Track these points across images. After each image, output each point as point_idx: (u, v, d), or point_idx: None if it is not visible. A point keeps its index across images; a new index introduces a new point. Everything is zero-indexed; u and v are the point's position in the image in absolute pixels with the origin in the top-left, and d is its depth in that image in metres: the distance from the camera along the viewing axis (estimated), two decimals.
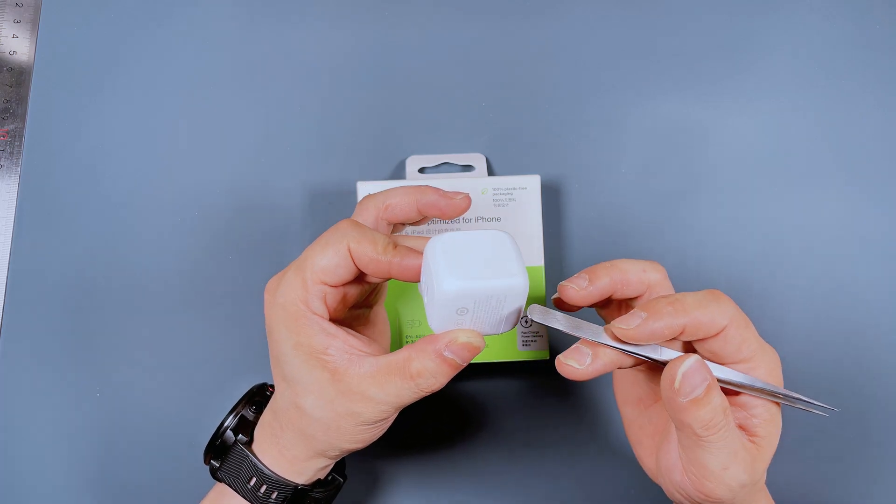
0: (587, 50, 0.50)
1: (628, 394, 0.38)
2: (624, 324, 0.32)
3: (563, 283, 0.35)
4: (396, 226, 0.39)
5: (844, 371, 0.46)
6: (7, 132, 0.49)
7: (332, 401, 0.34)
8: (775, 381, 0.33)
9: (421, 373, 0.33)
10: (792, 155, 0.48)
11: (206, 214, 0.48)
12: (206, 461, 0.39)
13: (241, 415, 0.38)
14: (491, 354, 0.44)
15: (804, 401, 0.34)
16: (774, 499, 0.37)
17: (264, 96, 0.49)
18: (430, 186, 0.37)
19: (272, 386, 0.40)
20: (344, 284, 0.34)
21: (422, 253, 0.34)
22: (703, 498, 0.33)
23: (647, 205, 0.48)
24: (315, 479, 0.37)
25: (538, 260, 0.44)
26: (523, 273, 0.31)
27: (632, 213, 0.48)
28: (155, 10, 0.50)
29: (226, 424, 0.38)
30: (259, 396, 0.39)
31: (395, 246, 0.34)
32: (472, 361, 0.44)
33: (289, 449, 0.36)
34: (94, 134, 0.49)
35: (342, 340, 0.34)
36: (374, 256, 0.33)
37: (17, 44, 0.50)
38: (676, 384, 0.31)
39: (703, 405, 0.31)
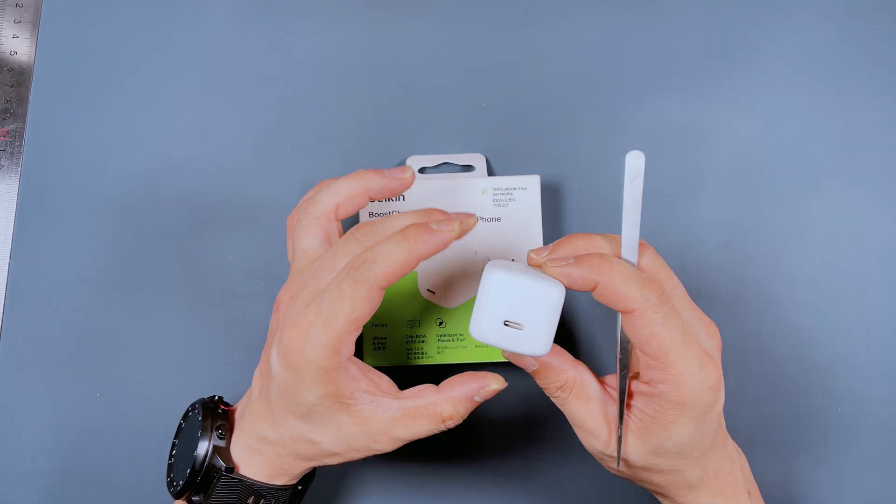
0: (587, 50, 0.50)
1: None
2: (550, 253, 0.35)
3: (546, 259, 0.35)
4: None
5: (844, 371, 0.46)
6: (7, 132, 0.49)
7: (350, 438, 0.35)
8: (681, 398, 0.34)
9: (453, 416, 0.35)
10: (792, 155, 0.48)
11: (207, 215, 0.48)
12: (184, 498, 0.37)
13: (213, 445, 0.37)
14: (490, 354, 0.44)
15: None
16: (768, 500, 0.37)
17: (264, 96, 0.49)
18: (368, 171, 0.38)
19: (222, 400, 0.39)
20: None
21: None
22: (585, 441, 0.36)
23: (647, 205, 0.48)
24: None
25: None
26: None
27: None
28: (155, 10, 0.50)
29: (201, 459, 0.36)
30: (221, 420, 0.38)
31: (418, 234, 0.34)
32: (471, 361, 0.44)
33: (290, 469, 0.37)
34: (95, 134, 0.49)
35: (365, 384, 0.35)
36: (408, 265, 0.33)
37: (17, 44, 0.50)
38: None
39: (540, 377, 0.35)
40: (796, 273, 0.47)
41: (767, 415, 0.46)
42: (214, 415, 0.38)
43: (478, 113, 0.49)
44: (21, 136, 0.49)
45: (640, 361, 0.34)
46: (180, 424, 0.39)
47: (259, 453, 0.37)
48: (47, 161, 0.48)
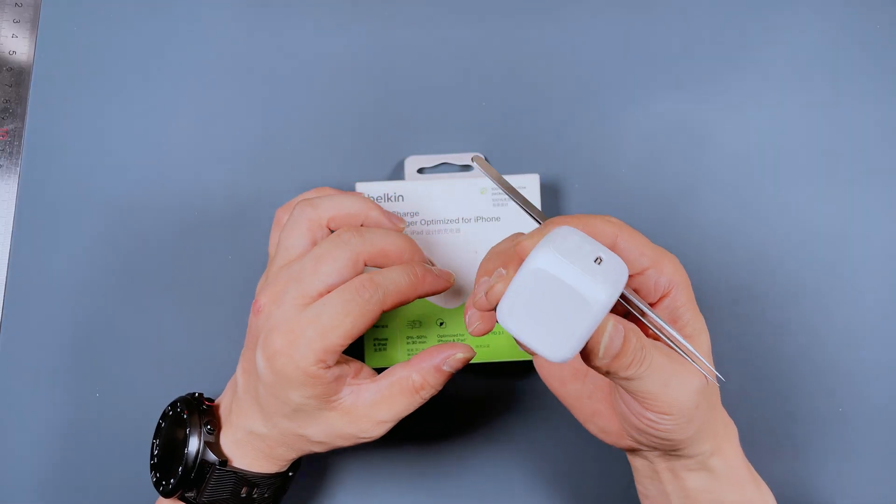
0: (587, 50, 0.50)
1: (562, 372, 0.38)
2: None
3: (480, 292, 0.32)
4: None
5: (844, 371, 0.46)
6: (7, 132, 0.49)
7: (339, 429, 0.36)
8: (682, 277, 0.33)
9: (424, 385, 0.36)
10: (792, 155, 0.48)
11: (206, 214, 0.48)
12: (175, 496, 0.37)
13: (204, 441, 0.37)
14: (491, 354, 0.44)
15: (700, 362, 0.33)
16: (777, 497, 0.37)
17: (264, 96, 0.49)
18: (373, 202, 0.38)
19: (203, 396, 0.40)
20: None
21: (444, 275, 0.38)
22: (659, 424, 0.33)
23: (647, 205, 0.48)
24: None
25: None
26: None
27: (632, 213, 0.48)
28: (155, 10, 0.50)
29: (193, 455, 0.37)
30: (207, 416, 0.38)
31: (424, 274, 0.37)
32: (472, 361, 0.44)
33: (282, 457, 0.38)
34: (94, 134, 0.49)
35: (347, 383, 0.36)
36: (410, 297, 0.36)
37: (16, 44, 0.50)
38: (601, 355, 0.30)
39: (622, 356, 0.31)
40: (797, 273, 0.47)
41: (768, 415, 0.46)
42: (200, 411, 0.38)
43: (477, 113, 0.49)
44: (20, 136, 0.49)
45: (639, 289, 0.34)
46: (160, 424, 0.39)
47: (249, 445, 0.37)
48: (47, 161, 0.48)
